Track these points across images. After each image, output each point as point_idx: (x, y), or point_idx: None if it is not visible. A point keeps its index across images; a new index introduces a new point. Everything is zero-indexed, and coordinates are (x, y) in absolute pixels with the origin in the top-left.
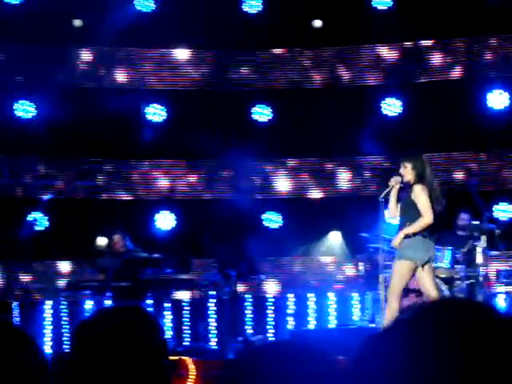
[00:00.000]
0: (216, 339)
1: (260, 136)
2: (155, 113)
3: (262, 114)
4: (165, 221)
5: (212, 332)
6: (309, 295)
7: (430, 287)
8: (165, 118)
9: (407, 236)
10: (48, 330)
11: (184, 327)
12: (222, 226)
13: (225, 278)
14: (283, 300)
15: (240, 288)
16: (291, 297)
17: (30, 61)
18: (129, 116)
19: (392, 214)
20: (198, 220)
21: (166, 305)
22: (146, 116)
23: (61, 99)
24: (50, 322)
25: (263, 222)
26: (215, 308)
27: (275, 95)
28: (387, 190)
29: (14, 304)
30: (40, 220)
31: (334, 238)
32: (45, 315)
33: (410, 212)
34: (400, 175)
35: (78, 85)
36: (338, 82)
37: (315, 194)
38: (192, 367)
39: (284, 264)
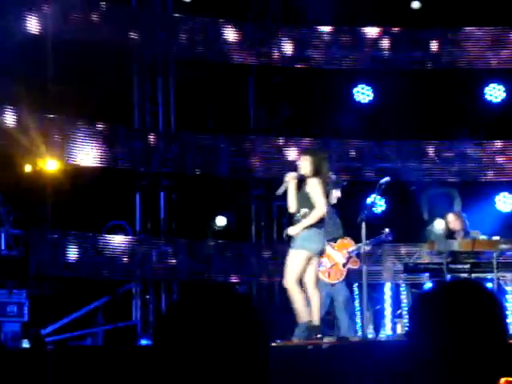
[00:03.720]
0: None
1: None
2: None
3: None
4: (505, 203)
5: None
6: None
7: (312, 277)
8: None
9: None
10: (388, 312)
11: None
12: None
13: None
14: None
15: None
16: None
17: None
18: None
19: (291, 208)
20: None
21: (507, 288)
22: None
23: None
24: (389, 304)
25: None
26: None
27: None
28: (284, 186)
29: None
30: (378, 202)
31: None
32: (385, 297)
33: (305, 204)
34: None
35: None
36: None
37: None
38: None
39: None
